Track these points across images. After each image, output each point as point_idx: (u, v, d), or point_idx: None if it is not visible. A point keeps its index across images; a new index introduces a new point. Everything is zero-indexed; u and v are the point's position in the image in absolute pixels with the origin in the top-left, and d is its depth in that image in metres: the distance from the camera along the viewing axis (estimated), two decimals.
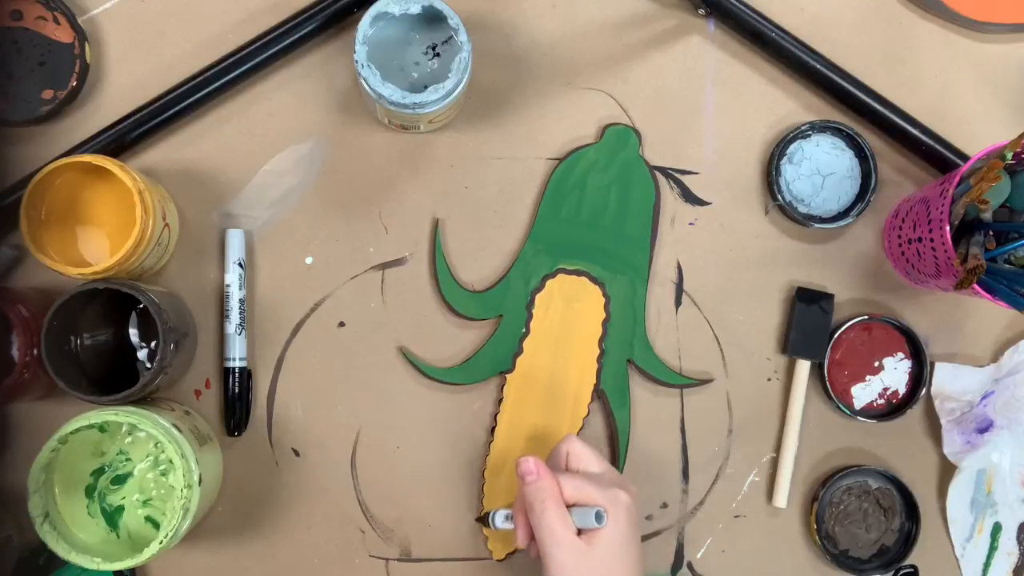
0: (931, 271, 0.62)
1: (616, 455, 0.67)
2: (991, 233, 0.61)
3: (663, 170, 0.68)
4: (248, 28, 0.66)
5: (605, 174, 0.67)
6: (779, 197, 0.68)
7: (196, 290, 0.66)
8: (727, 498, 0.68)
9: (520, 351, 0.66)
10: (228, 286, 0.65)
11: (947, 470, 0.69)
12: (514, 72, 0.68)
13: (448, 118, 0.65)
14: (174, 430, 0.58)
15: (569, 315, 0.67)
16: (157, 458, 0.61)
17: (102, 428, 0.60)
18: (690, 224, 0.68)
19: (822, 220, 0.68)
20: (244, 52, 0.65)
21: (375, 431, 0.66)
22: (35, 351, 0.59)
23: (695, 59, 0.69)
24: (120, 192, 0.59)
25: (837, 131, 0.68)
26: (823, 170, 0.68)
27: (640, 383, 0.68)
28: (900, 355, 0.69)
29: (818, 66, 0.67)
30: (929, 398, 0.69)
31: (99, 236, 0.62)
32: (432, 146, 0.67)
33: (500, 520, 0.60)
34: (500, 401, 0.66)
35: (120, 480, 0.61)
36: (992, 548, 0.69)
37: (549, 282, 0.67)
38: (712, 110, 0.69)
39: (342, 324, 0.67)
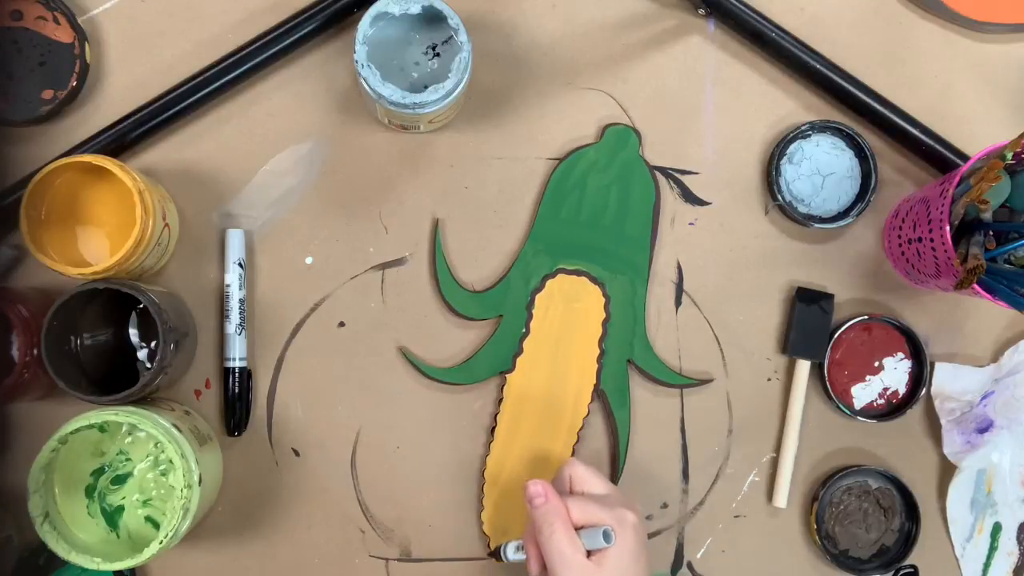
0: (931, 271, 0.62)
1: (616, 455, 0.67)
2: (991, 233, 0.61)
3: (663, 170, 0.68)
4: (248, 28, 0.66)
5: (605, 174, 0.67)
6: (779, 197, 0.68)
7: (196, 290, 0.66)
8: (727, 498, 0.68)
9: (520, 351, 0.66)
10: (228, 286, 0.65)
11: (947, 470, 0.69)
12: (514, 72, 0.68)
13: (448, 118, 0.65)
14: (174, 430, 0.58)
15: (569, 315, 0.67)
16: (157, 458, 0.61)
17: (102, 428, 0.60)
18: (690, 224, 0.68)
19: (822, 220, 0.68)
20: (244, 52, 0.65)
21: (375, 431, 0.66)
22: (35, 351, 0.59)
23: (695, 59, 0.69)
24: (120, 192, 0.59)
25: (837, 131, 0.68)
26: (823, 170, 0.69)
27: (640, 383, 0.68)
28: (900, 355, 0.69)
29: (818, 66, 0.67)
30: (929, 398, 0.69)
31: (99, 236, 0.62)
32: (432, 146, 0.67)
33: (511, 552, 0.60)
34: (500, 401, 0.66)
35: (120, 480, 0.61)
36: (992, 548, 0.69)
37: (549, 282, 0.67)
38: (712, 110, 0.69)
39: (342, 324, 0.67)
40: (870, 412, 0.69)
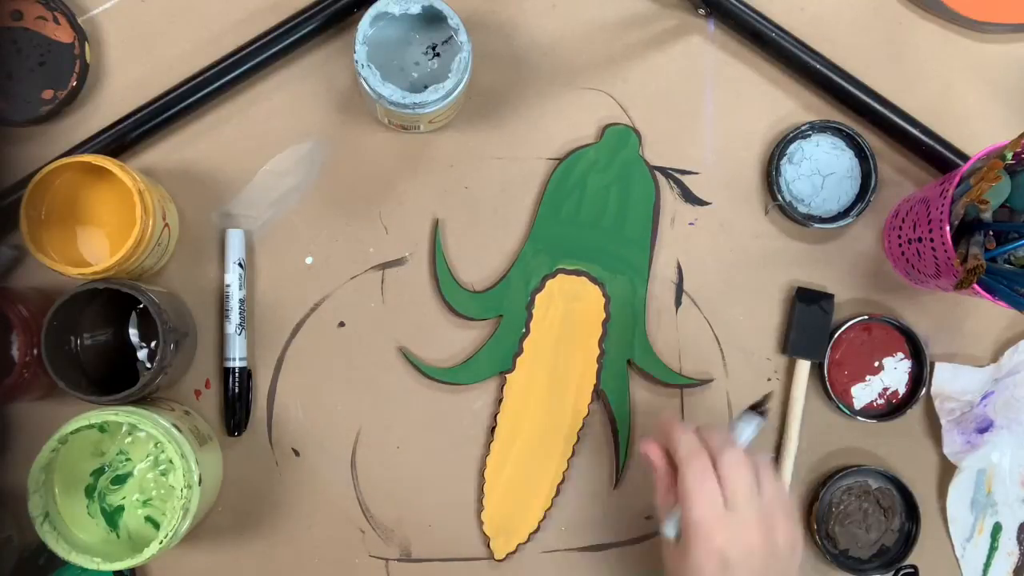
0: (931, 271, 0.62)
1: (617, 455, 0.67)
2: (991, 233, 0.61)
3: (663, 170, 0.68)
4: (248, 28, 0.66)
5: (605, 174, 0.67)
6: (779, 197, 0.68)
7: (196, 290, 0.66)
8: None
9: (520, 351, 0.66)
10: (228, 286, 0.65)
11: (947, 470, 0.69)
12: (514, 72, 0.68)
13: (448, 118, 0.65)
14: (174, 430, 0.58)
15: (569, 315, 0.67)
16: (157, 458, 0.61)
17: (102, 428, 0.60)
18: (690, 224, 0.68)
19: (822, 220, 0.68)
20: (244, 52, 0.65)
21: (375, 431, 0.66)
22: (35, 351, 0.59)
23: (695, 59, 0.69)
24: (120, 192, 0.59)
25: (837, 131, 0.68)
26: (823, 170, 0.68)
27: (640, 383, 0.68)
28: (900, 355, 0.69)
29: (818, 66, 0.67)
30: (929, 398, 0.69)
31: (99, 236, 0.62)
32: (432, 146, 0.67)
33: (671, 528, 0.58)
34: (500, 401, 0.66)
35: (120, 480, 0.61)
36: (992, 548, 0.69)
37: (549, 282, 0.67)
38: (712, 110, 0.69)
39: (342, 324, 0.67)
40: (870, 412, 0.69)
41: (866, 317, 0.68)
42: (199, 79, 0.64)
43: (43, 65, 0.64)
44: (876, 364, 0.69)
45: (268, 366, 0.66)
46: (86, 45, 0.64)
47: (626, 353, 0.67)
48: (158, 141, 0.66)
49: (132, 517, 0.61)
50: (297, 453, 0.66)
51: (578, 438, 0.67)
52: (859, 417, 0.67)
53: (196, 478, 0.57)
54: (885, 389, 0.69)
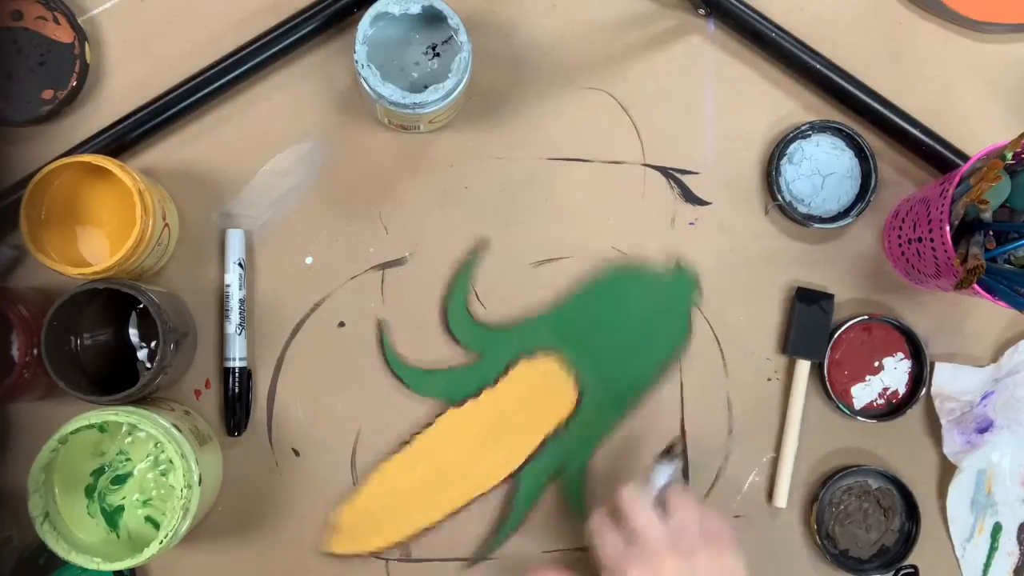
0: (931, 271, 0.62)
1: (494, 531, 0.66)
2: (991, 233, 0.61)
3: (663, 170, 0.68)
4: (248, 28, 0.66)
5: (653, 304, 0.66)
6: (779, 197, 0.68)
7: (196, 290, 0.66)
8: (727, 498, 0.68)
9: (476, 396, 0.65)
10: (228, 286, 0.65)
11: (947, 470, 0.69)
12: (514, 72, 0.68)
13: (448, 118, 0.65)
14: (174, 430, 0.58)
15: (537, 397, 0.66)
16: (157, 458, 0.61)
17: (102, 428, 0.60)
18: (690, 224, 0.68)
19: (822, 220, 0.68)
20: (244, 52, 0.65)
21: (375, 431, 0.66)
22: (35, 351, 0.59)
23: (695, 59, 0.69)
24: (120, 192, 0.59)
25: (837, 131, 0.68)
26: (823, 170, 0.69)
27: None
28: (900, 355, 0.69)
29: (818, 66, 0.67)
30: (929, 398, 0.69)
31: (99, 236, 0.62)
32: (432, 146, 0.67)
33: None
34: (428, 425, 0.66)
35: (120, 480, 0.61)
36: (992, 548, 0.69)
37: (541, 357, 0.66)
38: (712, 110, 0.69)
39: (342, 324, 0.67)
40: (870, 412, 0.69)
41: (866, 317, 0.68)
42: (199, 79, 0.65)
43: (43, 65, 0.64)
44: (876, 364, 0.69)
45: (268, 366, 0.66)
46: (86, 45, 0.64)
47: (554, 467, 0.66)
48: (158, 141, 0.66)
49: (132, 517, 0.61)
50: (297, 453, 0.66)
51: (470, 501, 0.66)
52: (859, 417, 0.67)
53: (196, 478, 0.57)
54: (885, 389, 0.69)
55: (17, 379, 0.59)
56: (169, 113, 0.64)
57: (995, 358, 0.69)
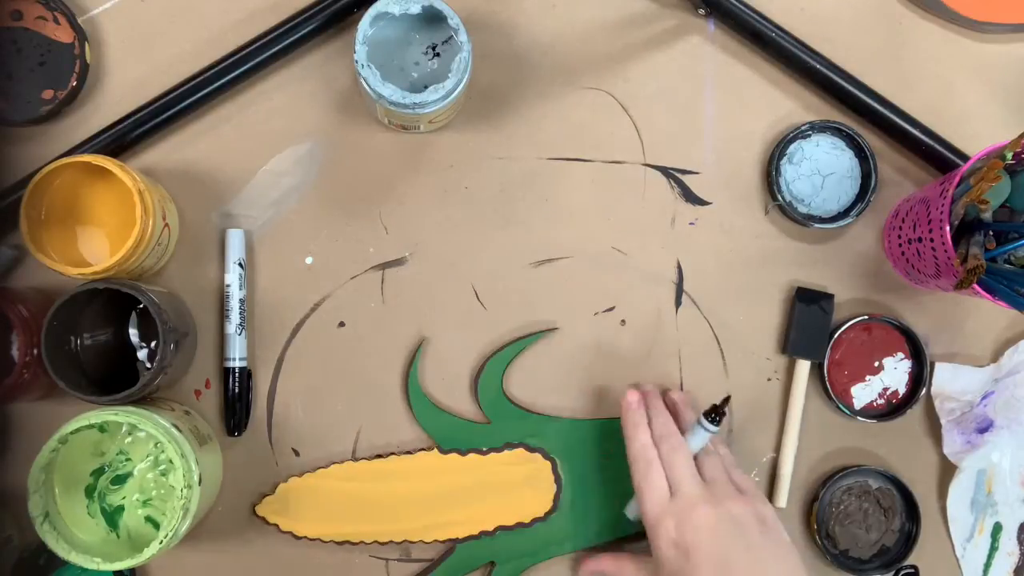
0: (931, 271, 0.62)
1: None
2: (991, 233, 0.61)
3: (663, 170, 0.68)
4: (248, 28, 0.66)
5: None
6: (779, 197, 0.68)
7: (196, 290, 0.66)
8: None
9: (463, 454, 0.65)
10: (228, 286, 0.65)
11: (947, 470, 0.69)
12: (514, 72, 0.68)
13: (448, 118, 0.65)
14: (174, 430, 0.58)
15: (515, 486, 0.65)
16: (157, 458, 0.61)
17: (102, 428, 0.60)
18: (690, 224, 0.68)
19: (822, 220, 0.68)
20: (244, 52, 0.65)
21: (375, 431, 0.66)
22: (35, 351, 0.59)
23: (695, 59, 0.69)
24: (120, 192, 0.59)
25: (837, 131, 0.68)
26: (823, 170, 0.69)
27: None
28: (900, 355, 0.69)
29: (818, 66, 0.67)
30: (929, 398, 0.69)
31: (99, 236, 0.62)
32: (432, 146, 0.67)
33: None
34: (406, 453, 0.65)
35: (120, 480, 0.61)
36: (992, 548, 0.69)
37: (540, 454, 0.66)
38: (712, 110, 0.69)
39: (342, 324, 0.67)
40: (870, 412, 0.69)
41: (866, 317, 0.68)
42: (199, 79, 0.65)
43: (43, 65, 0.64)
44: (876, 364, 0.69)
45: (268, 366, 0.66)
46: (86, 45, 0.64)
47: (494, 557, 0.65)
48: (158, 141, 0.66)
49: (132, 517, 0.61)
50: (297, 453, 0.66)
51: (400, 542, 0.65)
52: (859, 417, 0.67)
53: (196, 478, 0.57)
54: (885, 389, 0.69)
55: (17, 379, 0.59)
56: (169, 113, 0.64)
57: (995, 358, 0.69)
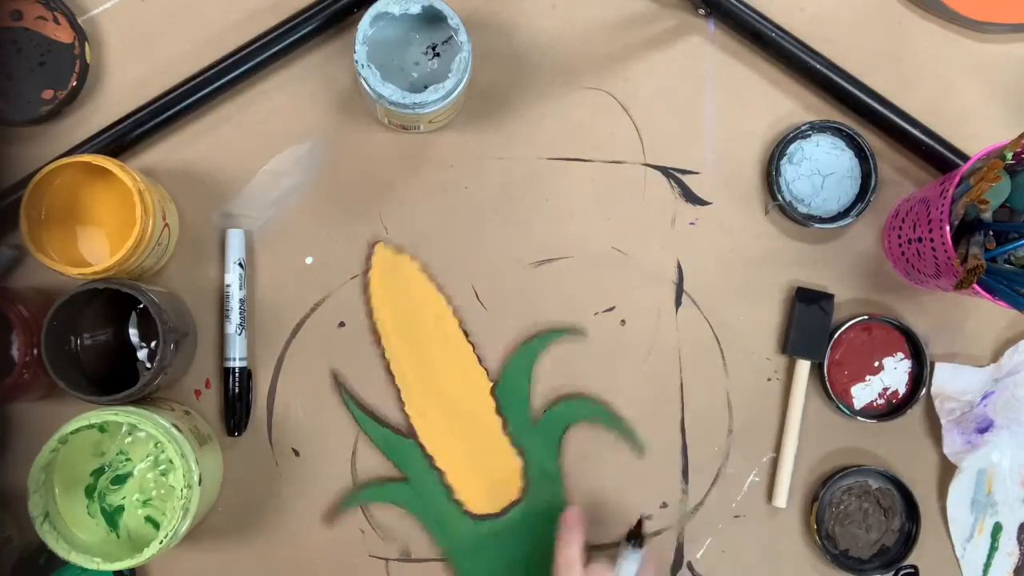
0: (931, 271, 0.62)
1: None
2: (991, 233, 0.61)
3: (663, 170, 0.68)
4: (248, 28, 0.66)
5: None
6: (779, 197, 0.68)
7: (196, 290, 0.66)
8: (727, 498, 0.68)
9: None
10: (228, 286, 0.65)
11: (947, 470, 0.69)
12: (514, 72, 0.68)
13: (448, 118, 0.65)
14: (174, 430, 0.58)
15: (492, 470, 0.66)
16: (157, 458, 0.61)
17: (102, 428, 0.60)
18: (690, 224, 0.68)
19: (822, 220, 0.68)
20: (244, 52, 0.65)
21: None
22: (35, 351, 0.59)
23: (695, 59, 0.69)
24: (120, 192, 0.59)
25: (837, 131, 0.68)
26: (823, 170, 0.69)
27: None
28: (900, 355, 0.69)
29: (818, 66, 0.67)
30: (929, 398, 0.69)
31: (99, 236, 0.62)
32: (432, 146, 0.67)
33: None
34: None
35: (120, 480, 0.61)
36: (992, 548, 0.69)
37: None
38: (712, 110, 0.69)
39: (342, 324, 0.67)
40: (870, 412, 0.69)
41: (866, 317, 0.68)
42: (199, 79, 0.65)
43: (43, 65, 0.64)
44: (876, 364, 0.69)
45: (268, 366, 0.66)
46: (86, 45, 0.64)
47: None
48: (158, 141, 0.66)
49: (132, 517, 0.61)
50: (297, 453, 0.66)
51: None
52: (859, 417, 0.67)
53: (196, 478, 0.57)
54: (885, 389, 0.69)
55: (17, 379, 0.59)
56: (169, 113, 0.64)
57: (995, 358, 0.69)
